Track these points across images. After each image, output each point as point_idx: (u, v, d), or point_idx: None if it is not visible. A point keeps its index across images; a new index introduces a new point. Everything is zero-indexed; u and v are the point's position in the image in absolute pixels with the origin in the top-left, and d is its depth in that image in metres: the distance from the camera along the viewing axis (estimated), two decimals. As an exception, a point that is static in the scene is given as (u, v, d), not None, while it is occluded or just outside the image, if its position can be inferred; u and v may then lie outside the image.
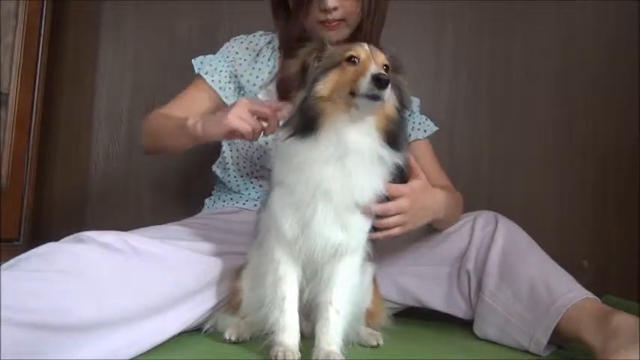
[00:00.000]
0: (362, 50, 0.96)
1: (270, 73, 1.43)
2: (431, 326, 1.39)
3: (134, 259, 0.98)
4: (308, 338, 1.01)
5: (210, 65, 1.44)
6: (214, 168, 1.53)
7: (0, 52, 1.62)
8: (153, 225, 1.21)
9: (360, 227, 1.01)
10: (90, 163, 1.94)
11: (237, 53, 1.46)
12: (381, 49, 1.00)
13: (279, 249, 1.00)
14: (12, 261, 0.87)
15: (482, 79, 1.97)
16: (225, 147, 1.49)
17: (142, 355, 0.96)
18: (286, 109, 1.06)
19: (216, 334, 1.13)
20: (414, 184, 1.11)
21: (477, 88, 1.97)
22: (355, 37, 1.33)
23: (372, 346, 1.11)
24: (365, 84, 0.89)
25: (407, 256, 1.35)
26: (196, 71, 1.45)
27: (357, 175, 0.94)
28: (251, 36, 1.51)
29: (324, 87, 0.94)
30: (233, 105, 1.12)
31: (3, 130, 1.63)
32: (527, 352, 1.15)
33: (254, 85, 1.42)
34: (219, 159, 1.53)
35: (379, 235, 1.08)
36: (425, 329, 1.36)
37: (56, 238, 0.95)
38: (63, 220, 1.88)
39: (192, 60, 1.46)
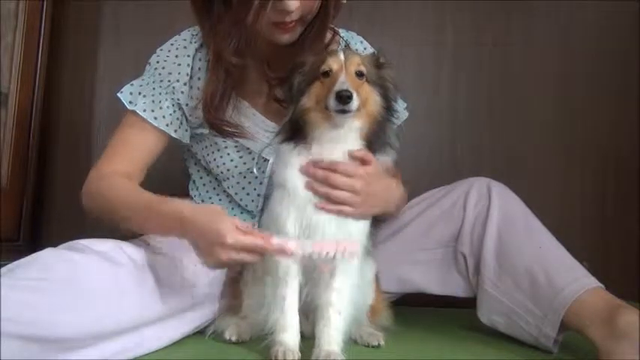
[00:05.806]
0: (334, 61, 1.00)
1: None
2: (432, 326, 1.39)
3: (132, 270, 0.97)
4: (308, 338, 1.01)
5: (145, 97, 1.19)
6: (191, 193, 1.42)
7: (0, 52, 1.62)
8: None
9: (359, 228, 1.03)
10: (90, 163, 1.92)
11: (170, 74, 1.22)
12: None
13: (279, 249, 1.00)
14: (11, 265, 0.85)
15: (482, 79, 1.96)
16: (194, 174, 1.39)
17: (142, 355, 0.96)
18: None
19: (216, 334, 1.13)
20: (367, 169, 1.03)
21: (477, 88, 1.96)
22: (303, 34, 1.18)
23: (373, 346, 1.11)
24: (331, 101, 0.95)
25: (399, 244, 1.32)
26: (128, 107, 1.19)
27: None
28: (177, 43, 1.26)
29: (307, 100, 1.01)
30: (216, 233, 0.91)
31: (3, 130, 1.63)
32: (531, 350, 1.14)
33: (193, 108, 1.23)
34: (191, 184, 1.41)
35: (332, 207, 1.00)
36: (426, 329, 1.35)
37: (56, 238, 0.94)
38: (63, 220, 1.88)
39: (119, 94, 1.21)
